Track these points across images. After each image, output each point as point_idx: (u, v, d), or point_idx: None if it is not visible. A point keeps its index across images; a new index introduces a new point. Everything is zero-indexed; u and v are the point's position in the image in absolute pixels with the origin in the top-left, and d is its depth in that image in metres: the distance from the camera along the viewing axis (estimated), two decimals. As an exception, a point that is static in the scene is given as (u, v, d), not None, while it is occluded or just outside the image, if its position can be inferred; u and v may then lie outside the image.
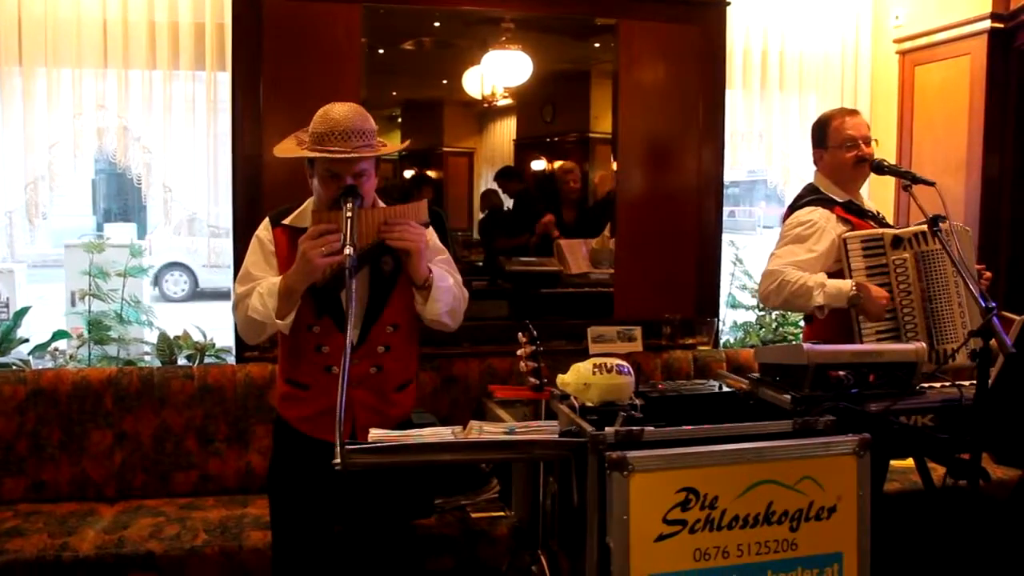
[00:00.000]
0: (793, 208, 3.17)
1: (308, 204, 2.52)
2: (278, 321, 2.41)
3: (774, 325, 4.65)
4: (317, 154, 2.35)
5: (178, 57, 3.87)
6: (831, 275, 2.98)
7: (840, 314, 2.96)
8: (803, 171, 4.50)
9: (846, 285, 2.89)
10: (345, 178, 2.37)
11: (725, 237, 4.42)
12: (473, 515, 3.34)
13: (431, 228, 2.62)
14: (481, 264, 4.30)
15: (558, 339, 3.75)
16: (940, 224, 2.75)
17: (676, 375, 3.98)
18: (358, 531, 2.63)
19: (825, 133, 3.18)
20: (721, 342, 4.47)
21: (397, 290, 2.48)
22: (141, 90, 3.88)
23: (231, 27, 3.74)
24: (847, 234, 2.98)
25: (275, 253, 2.49)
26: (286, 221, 2.50)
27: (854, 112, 3.24)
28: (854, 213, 3.10)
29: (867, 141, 3.14)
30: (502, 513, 3.36)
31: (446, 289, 2.47)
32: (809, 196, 3.16)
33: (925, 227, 2.88)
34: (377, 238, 2.37)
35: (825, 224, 3.03)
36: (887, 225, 3.17)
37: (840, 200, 3.10)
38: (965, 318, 2.96)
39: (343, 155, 2.34)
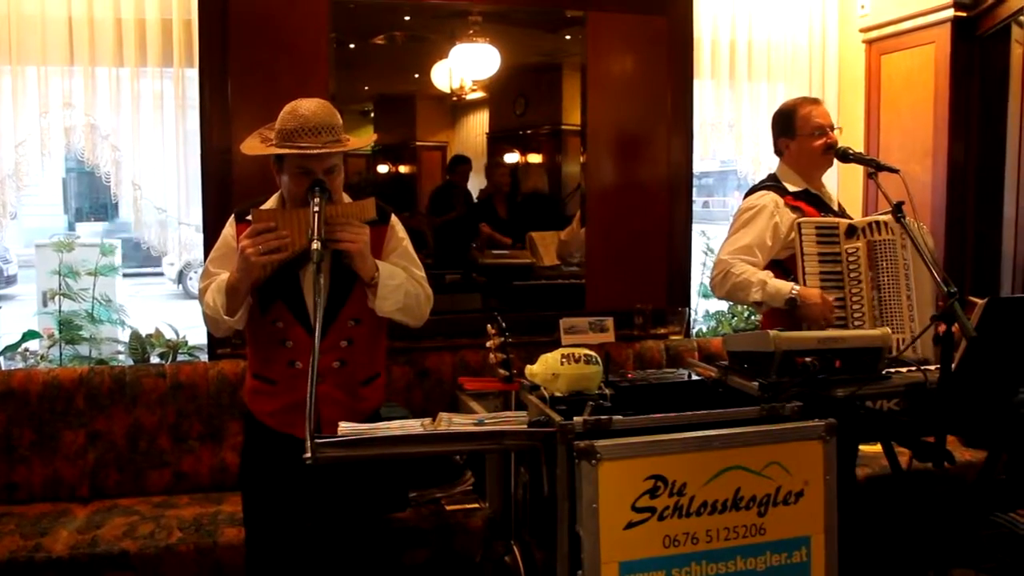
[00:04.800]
0: (747, 196, 3.21)
1: (273, 199, 2.52)
2: (226, 317, 2.42)
3: (746, 314, 4.69)
4: (288, 151, 2.35)
5: (145, 54, 3.84)
6: (781, 263, 3.01)
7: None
8: (774, 160, 4.49)
9: (786, 287, 2.92)
10: (317, 173, 2.36)
11: (697, 227, 4.45)
12: (448, 507, 3.35)
13: (399, 224, 2.62)
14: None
15: (531, 331, 3.77)
16: (903, 209, 2.79)
17: (648, 365, 4.01)
18: (333, 526, 2.62)
19: (791, 122, 3.20)
20: (693, 331, 4.50)
21: (358, 285, 2.47)
22: (108, 87, 3.85)
23: (198, 23, 3.71)
24: (801, 219, 3.00)
25: (237, 248, 2.47)
26: (249, 216, 2.49)
27: (816, 101, 3.28)
28: (808, 202, 3.13)
29: (833, 128, 3.18)
30: (477, 505, 3.37)
31: (395, 288, 2.45)
32: (764, 183, 3.20)
33: (880, 217, 2.92)
34: (321, 237, 2.34)
35: (773, 208, 3.06)
36: (847, 217, 3.20)
37: (792, 190, 3.13)
38: (913, 310, 3.00)
39: (315, 151, 2.34)
